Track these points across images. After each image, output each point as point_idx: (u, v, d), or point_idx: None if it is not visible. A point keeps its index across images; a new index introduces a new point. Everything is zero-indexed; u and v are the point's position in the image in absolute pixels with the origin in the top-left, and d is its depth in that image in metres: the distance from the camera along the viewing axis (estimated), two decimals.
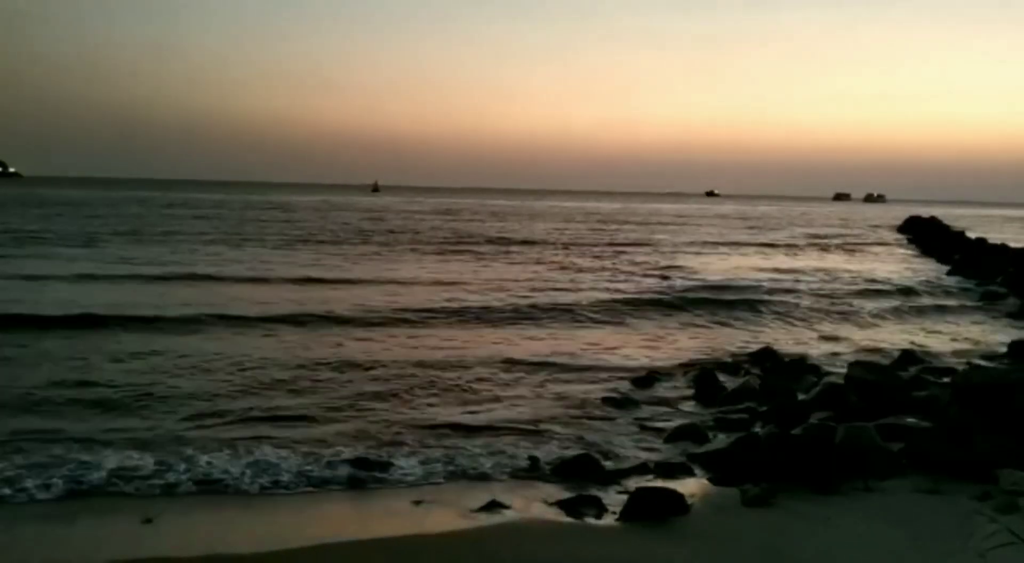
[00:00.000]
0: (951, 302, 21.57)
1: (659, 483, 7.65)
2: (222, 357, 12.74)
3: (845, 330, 17.29)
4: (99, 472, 7.74)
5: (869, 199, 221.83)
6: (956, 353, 14.57)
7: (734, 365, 13.28)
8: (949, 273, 28.51)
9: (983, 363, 11.11)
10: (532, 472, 8.15)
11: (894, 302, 21.27)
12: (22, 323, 14.70)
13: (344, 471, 7.99)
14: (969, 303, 21.45)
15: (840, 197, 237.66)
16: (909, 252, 41.43)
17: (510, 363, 13.07)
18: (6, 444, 8.38)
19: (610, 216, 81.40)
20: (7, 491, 7.27)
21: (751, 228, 63.49)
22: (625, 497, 7.20)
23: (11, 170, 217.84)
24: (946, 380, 10.75)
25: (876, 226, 70.06)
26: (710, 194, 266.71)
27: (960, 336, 16.73)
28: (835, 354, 14.40)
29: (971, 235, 39.67)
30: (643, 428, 9.77)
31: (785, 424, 8.67)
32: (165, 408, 9.96)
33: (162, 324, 15.27)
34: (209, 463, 8.09)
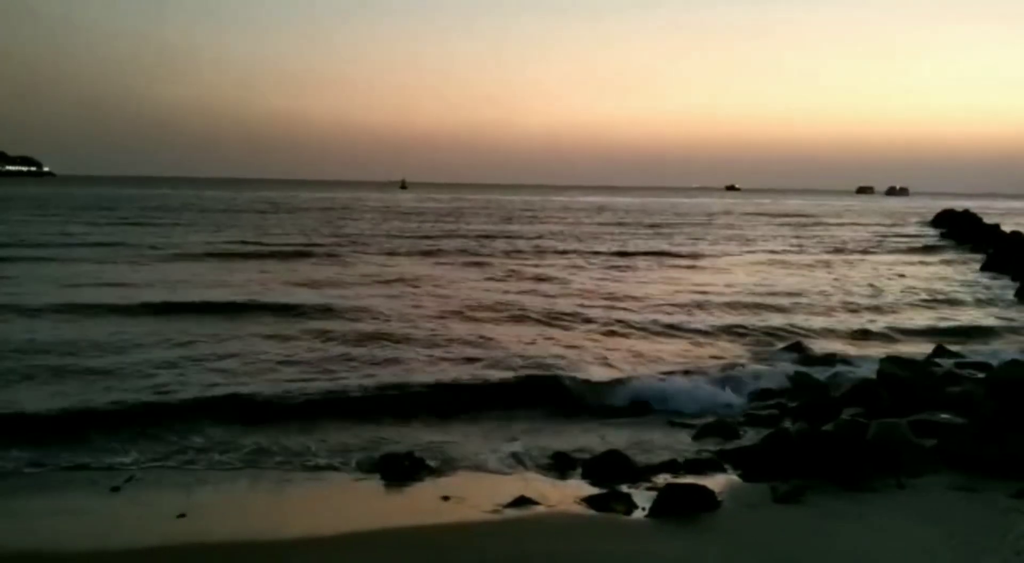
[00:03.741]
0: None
1: (689, 479, 7.61)
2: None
3: None
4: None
5: (891, 192, 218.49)
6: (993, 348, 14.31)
7: (764, 360, 13.19)
8: (982, 268, 28.03)
9: (1020, 358, 10.91)
10: (561, 469, 8.15)
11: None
12: None
13: (374, 466, 8.08)
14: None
15: (863, 190, 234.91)
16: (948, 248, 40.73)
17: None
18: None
19: (628, 213, 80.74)
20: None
21: (784, 225, 62.72)
22: (655, 494, 7.19)
23: (45, 169, 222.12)
24: (981, 375, 10.59)
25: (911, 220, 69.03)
26: (731, 188, 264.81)
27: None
28: (867, 351, 14.20)
29: (1005, 229, 38.87)
30: (673, 424, 9.74)
31: (816, 420, 8.60)
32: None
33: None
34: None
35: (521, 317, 16.96)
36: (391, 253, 31.49)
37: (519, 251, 33.67)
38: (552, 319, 16.72)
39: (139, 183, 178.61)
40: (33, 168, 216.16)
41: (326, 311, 16.97)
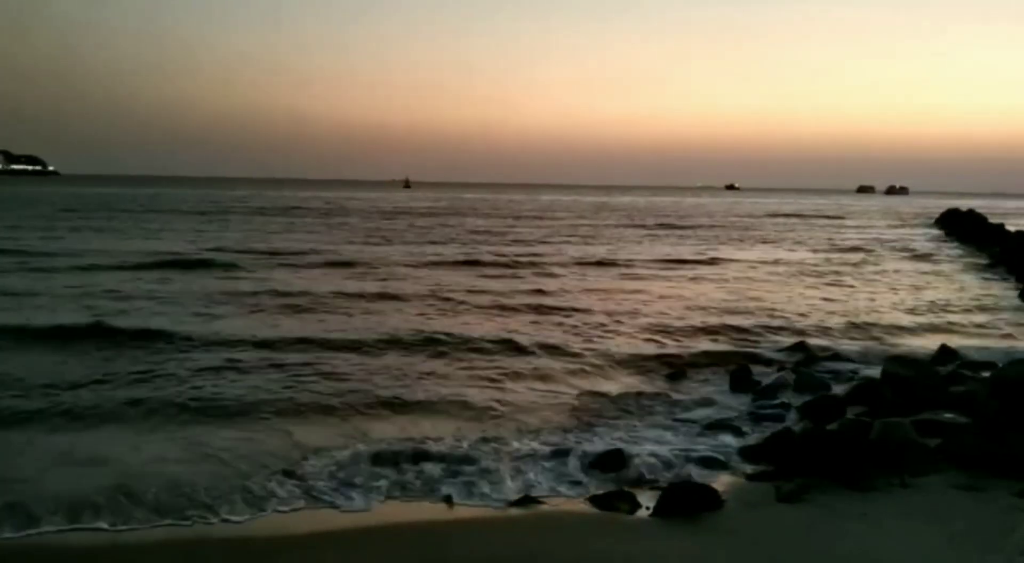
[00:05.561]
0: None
1: (693, 478, 7.63)
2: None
3: None
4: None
5: (891, 191, 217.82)
6: (996, 349, 14.27)
7: (768, 359, 13.19)
8: (987, 268, 27.92)
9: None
10: (566, 468, 8.15)
11: None
12: None
13: (377, 468, 8.06)
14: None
15: (864, 190, 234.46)
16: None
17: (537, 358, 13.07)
18: None
19: (633, 212, 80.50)
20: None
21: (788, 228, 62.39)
22: (658, 492, 7.20)
23: (50, 168, 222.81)
24: (985, 375, 10.59)
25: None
26: (730, 187, 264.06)
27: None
28: (870, 352, 14.16)
29: (1010, 229, 38.71)
30: (677, 422, 9.74)
31: (820, 419, 8.61)
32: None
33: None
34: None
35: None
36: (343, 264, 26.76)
37: (510, 262, 28.25)
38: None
39: (141, 183, 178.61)
40: (38, 167, 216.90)
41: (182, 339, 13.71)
